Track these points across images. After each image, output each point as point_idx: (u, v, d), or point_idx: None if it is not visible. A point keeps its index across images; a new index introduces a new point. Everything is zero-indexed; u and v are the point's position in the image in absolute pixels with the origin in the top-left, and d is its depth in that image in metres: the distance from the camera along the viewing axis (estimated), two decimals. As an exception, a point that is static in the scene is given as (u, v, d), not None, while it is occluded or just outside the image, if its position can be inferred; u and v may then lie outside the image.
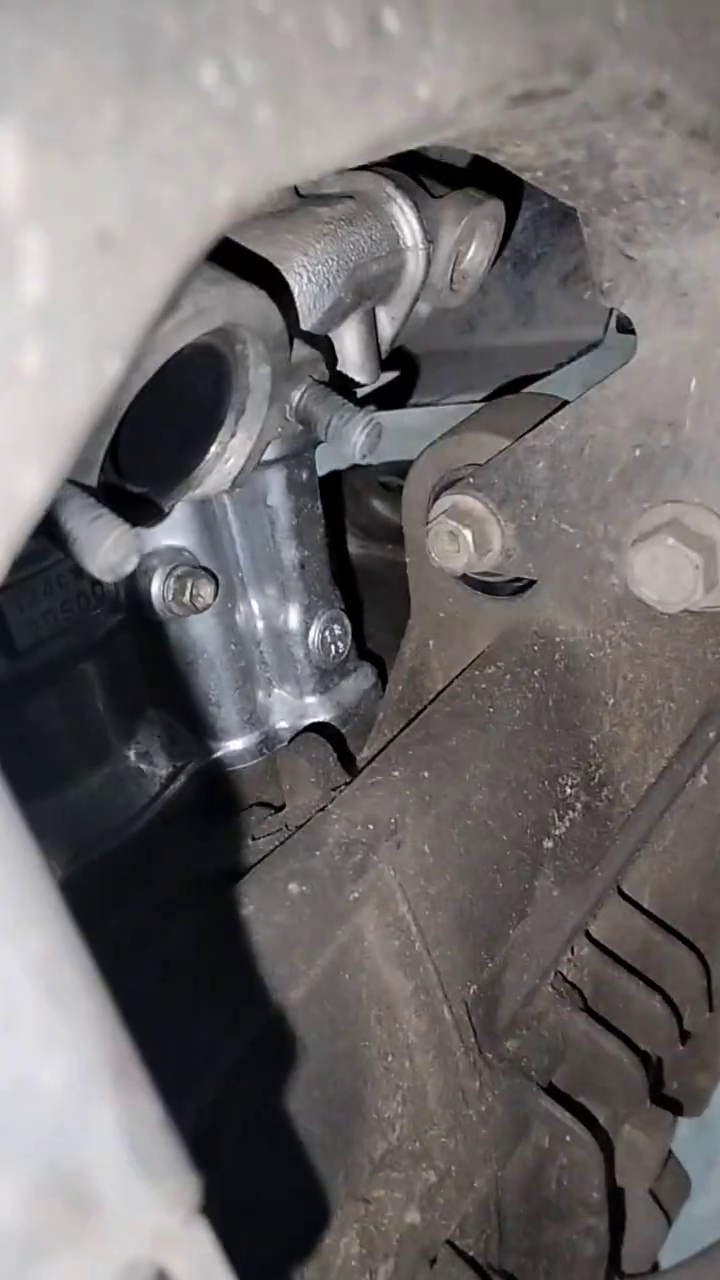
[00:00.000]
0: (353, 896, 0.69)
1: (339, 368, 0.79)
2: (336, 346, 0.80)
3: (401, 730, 0.80)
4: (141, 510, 0.65)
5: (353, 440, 0.69)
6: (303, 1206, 0.65)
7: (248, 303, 0.60)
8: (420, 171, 0.88)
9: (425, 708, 0.82)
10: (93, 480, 0.57)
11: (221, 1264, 0.31)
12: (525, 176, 0.60)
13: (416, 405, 1.21)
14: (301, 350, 0.69)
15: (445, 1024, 0.73)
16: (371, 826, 0.71)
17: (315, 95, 0.35)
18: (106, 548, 0.52)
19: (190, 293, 0.57)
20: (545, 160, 0.58)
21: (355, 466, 1.38)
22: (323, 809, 0.73)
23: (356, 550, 1.29)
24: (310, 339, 0.72)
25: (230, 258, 0.64)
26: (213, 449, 0.68)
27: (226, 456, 0.69)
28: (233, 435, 0.68)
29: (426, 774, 0.75)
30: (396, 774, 0.74)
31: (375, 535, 1.30)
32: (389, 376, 1.28)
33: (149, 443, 0.64)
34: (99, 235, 0.29)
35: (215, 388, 0.66)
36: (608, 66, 0.48)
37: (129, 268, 0.29)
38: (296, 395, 0.69)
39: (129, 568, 0.54)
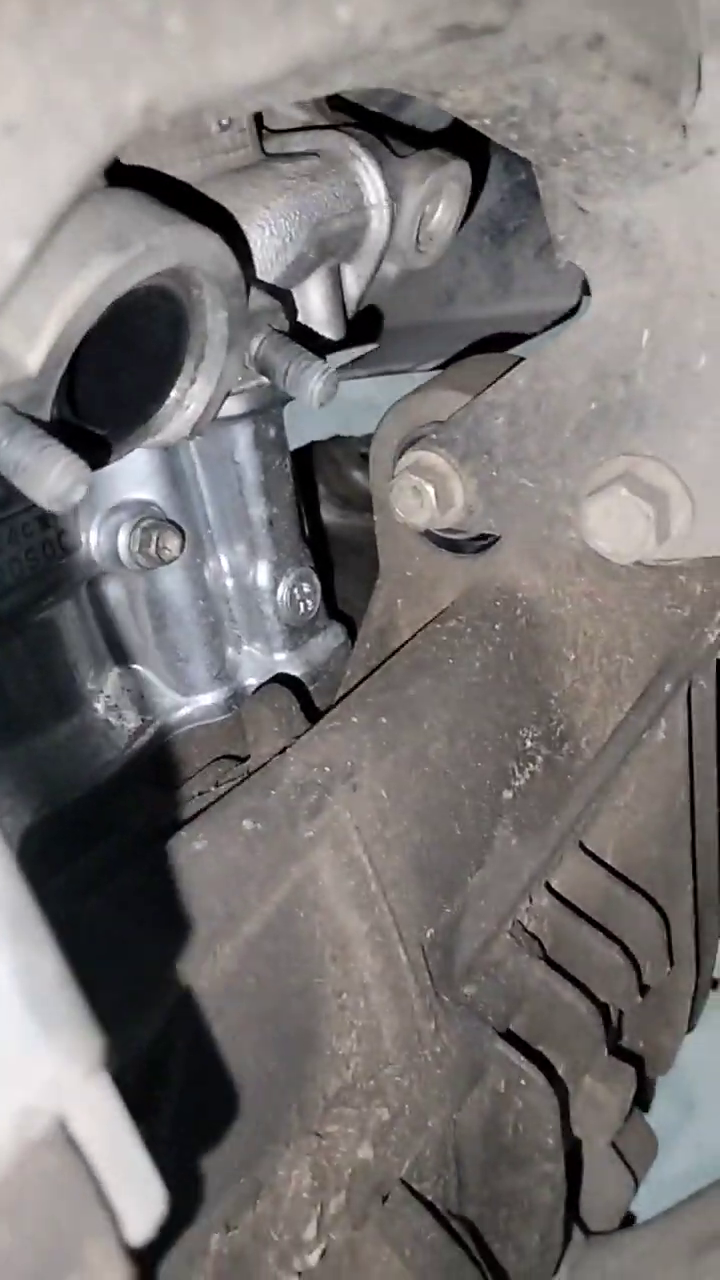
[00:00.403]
0: (307, 835, 0.70)
1: (301, 319, 0.80)
2: (301, 302, 0.81)
3: (362, 681, 0.81)
4: (98, 451, 0.66)
5: (310, 387, 0.70)
6: (253, 1136, 0.67)
7: (201, 244, 0.61)
8: (390, 134, 0.89)
9: (386, 660, 0.83)
10: (45, 414, 0.58)
11: (124, 1119, 0.33)
12: (474, 124, 0.61)
13: (394, 372, 1.22)
14: (260, 299, 0.70)
15: (401, 965, 0.75)
16: (328, 769, 0.72)
17: (229, 8, 0.36)
18: (54, 476, 0.54)
19: (142, 231, 0.58)
20: (491, 106, 0.59)
21: (336, 438, 1.40)
22: (281, 752, 0.74)
23: (336, 520, 1.30)
24: (269, 289, 0.73)
25: (193, 209, 0.65)
26: (172, 394, 0.69)
27: (186, 403, 0.70)
28: (192, 382, 0.69)
29: (385, 720, 0.76)
30: (355, 720, 0.76)
31: (355, 505, 1.31)
32: (367, 348, 1.29)
33: (106, 385, 0.65)
34: (4, 123, 0.30)
35: (173, 332, 0.67)
36: (540, 3, 0.49)
37: (34, 156, 0.30)
38: (255, 343, 0.70)
39: (76, 497, 0.55)
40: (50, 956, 0.31)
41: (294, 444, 1.27)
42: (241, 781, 0.72)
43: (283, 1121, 0.69)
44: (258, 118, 0.82)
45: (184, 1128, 0.62)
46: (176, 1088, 0.62)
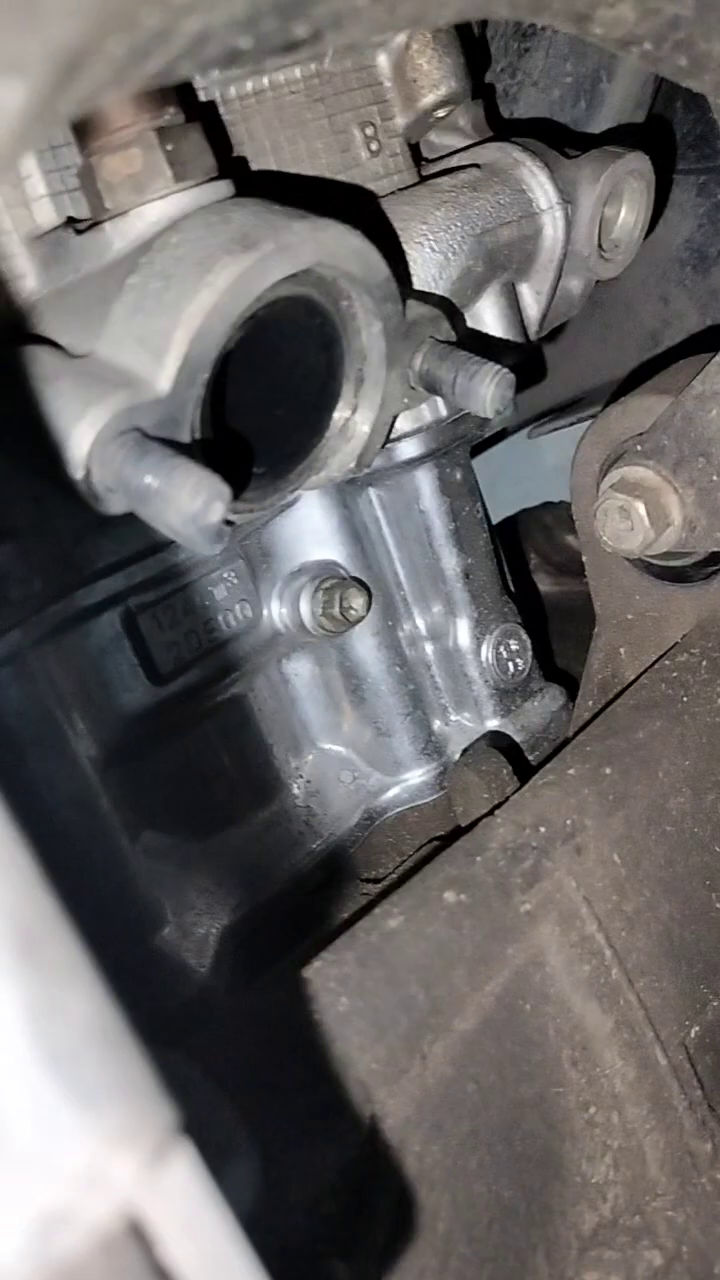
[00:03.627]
0: (524, 909, 0.59)
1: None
2: (474, 323, 0.74)
3: (579, 731, 0.70)
4: (256, 489, 0.60)
5: (482, 395, 0.62)
6: (490, 1285, 0.54)
7: (339, 240, 0.55)
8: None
9: (608, 705, 0.72)
10: (183, 436, 0.52)
11: (219, 1212, 0.23)
12: (634, 54, 0.53)
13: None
14: (417, 308, 0.63)
15: (660, 1070, 0.61)
16: (543, 829, 0.61)
17: None
18: (185, 494, 0.48)
19: (271, 230, 0.53)
20: (650, 23, 0.50)
21: (545, 504, 1.31)
22: (488, 814, 0.64)
23: (551, 588, 1.21)
24: (426, 297, 0.66)
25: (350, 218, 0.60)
26: (333, 422, 0.62)
27: (349, 433, 0.63)
28: (354, 409, 0.63)
29: (609, 770, 0.65)
30: (572, 772, 0.65)
31: (570, 571, 1.21)
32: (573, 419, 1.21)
33: (260, 418, 0.60)
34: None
35: (326, 354, 0.61)
36: None
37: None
38: (418, 358, 0.63)
39: (214, 518, 0.48)
40: (85, 994, 0.22)
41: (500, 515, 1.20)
42: (441, 849, 0.62)
43: (527, 1266, 0.56)
44: (414, 149, 0.78)
45: (398, 1270, 0.51)
46: (386, 1219, 0.51)
